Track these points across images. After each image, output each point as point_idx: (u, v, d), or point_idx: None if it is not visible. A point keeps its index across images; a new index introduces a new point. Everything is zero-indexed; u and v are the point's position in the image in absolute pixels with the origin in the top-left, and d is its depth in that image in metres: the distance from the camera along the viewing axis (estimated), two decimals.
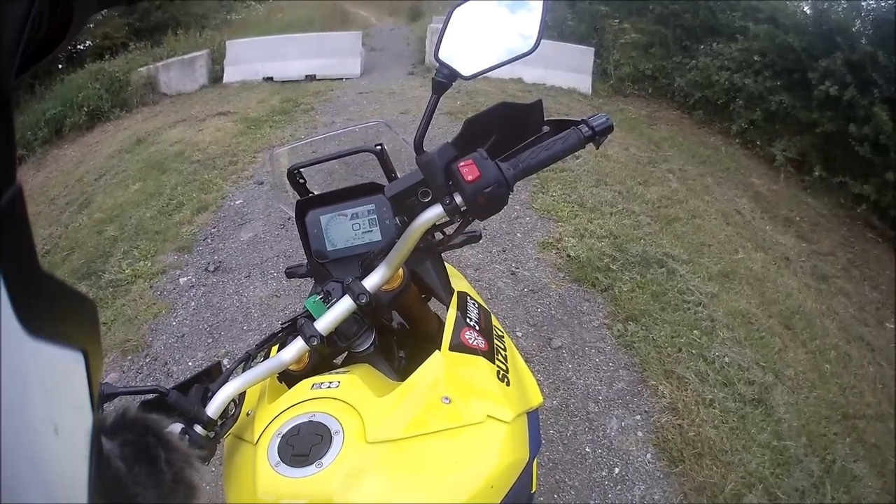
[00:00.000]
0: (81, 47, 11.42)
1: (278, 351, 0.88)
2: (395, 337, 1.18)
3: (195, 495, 0.48)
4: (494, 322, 1.07)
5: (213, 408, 0.81)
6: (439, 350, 0.89)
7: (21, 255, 0.27)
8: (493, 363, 0.93)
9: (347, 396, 0.80)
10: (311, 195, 1.13)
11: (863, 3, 7.44)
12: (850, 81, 6.72)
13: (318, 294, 0.91)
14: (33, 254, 0.28)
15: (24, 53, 0.29)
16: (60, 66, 9.70)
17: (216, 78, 9.89)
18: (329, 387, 0.82)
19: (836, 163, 7.01)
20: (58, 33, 0.35)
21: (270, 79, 9.63)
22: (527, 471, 0.86)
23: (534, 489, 0.93)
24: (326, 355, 0.97)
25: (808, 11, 8.15)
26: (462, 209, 0.80)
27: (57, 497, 0.28)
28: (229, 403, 0.83)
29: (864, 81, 6.64)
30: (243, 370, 0.87)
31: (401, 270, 0.94)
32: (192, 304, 3.65)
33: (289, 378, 0.96)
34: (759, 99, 7.92)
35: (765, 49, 7.97)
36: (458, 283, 1.14)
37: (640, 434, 2.70)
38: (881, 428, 3.21)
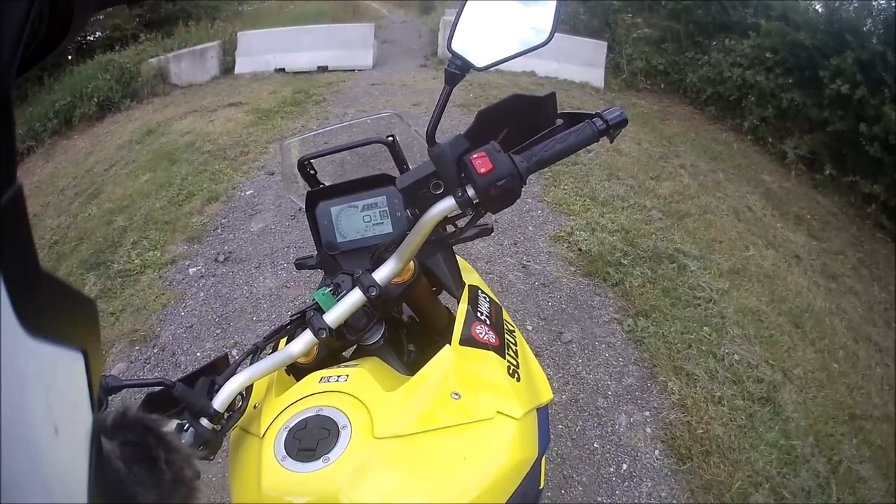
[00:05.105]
0: (91, 38, 11.44)
1: (287, 343, 0.87)
2: (404, 330, 1.17)
3: (195, 495, 0.48)
4: (505, 316, 1.06)
5: (220, 401, 0.80)
6: (449, 344, 0.88)
7: (21, 254, 0.27)
8: (504, 358, 0.92)
9: (356, 390, 0.79)
10: (321, 186, 1.12)
11: (873, 3, 7.37)
12: (860, 81, 6.66)
13: (328, 286, 0.90)
14: (33, 254, 0.28)
15: (25, 53, 0.29)
16: (70, 58, 9.71)
17: (227, 69, 9.91)
18: (337, 380, 0.82)
19: (846, 161, 6.94)
20: (58, 33, 0.35)
21: (282, 70, 9.62)
22: (535, 467, 0.85)
23: (542, 485, 0.92)
24: (335, 348, 0.97)
25: (820, 10, 8.06)
26: (474, 202, 0.78)
27: (57, 497, 0.28)
28: (236, 396, 0.82)
29: (874, 81, 6.58)
30: (251, 362, 0.86)
31: (411, 263, 0.93)
32: (202, 294, 3.65)
33: (297, 371, 0.95)
34: (771, 96, 7.86)
35: (776, 46, 7.90)
36: (470, 276, 1.13)
37: (648, 430, 2.69)
38: (887, 430, 3.19)
